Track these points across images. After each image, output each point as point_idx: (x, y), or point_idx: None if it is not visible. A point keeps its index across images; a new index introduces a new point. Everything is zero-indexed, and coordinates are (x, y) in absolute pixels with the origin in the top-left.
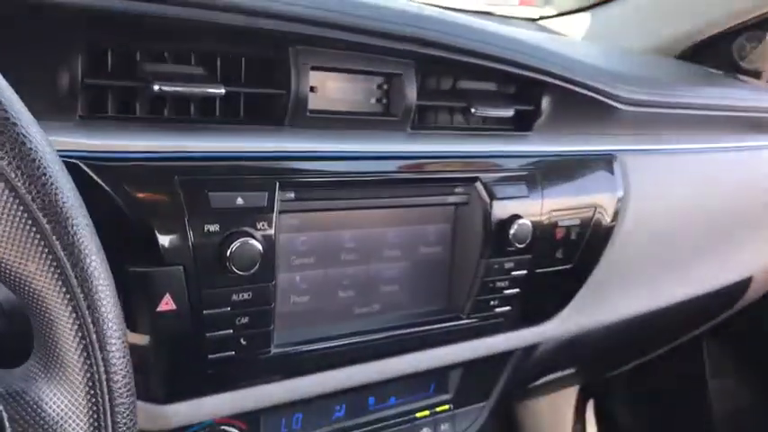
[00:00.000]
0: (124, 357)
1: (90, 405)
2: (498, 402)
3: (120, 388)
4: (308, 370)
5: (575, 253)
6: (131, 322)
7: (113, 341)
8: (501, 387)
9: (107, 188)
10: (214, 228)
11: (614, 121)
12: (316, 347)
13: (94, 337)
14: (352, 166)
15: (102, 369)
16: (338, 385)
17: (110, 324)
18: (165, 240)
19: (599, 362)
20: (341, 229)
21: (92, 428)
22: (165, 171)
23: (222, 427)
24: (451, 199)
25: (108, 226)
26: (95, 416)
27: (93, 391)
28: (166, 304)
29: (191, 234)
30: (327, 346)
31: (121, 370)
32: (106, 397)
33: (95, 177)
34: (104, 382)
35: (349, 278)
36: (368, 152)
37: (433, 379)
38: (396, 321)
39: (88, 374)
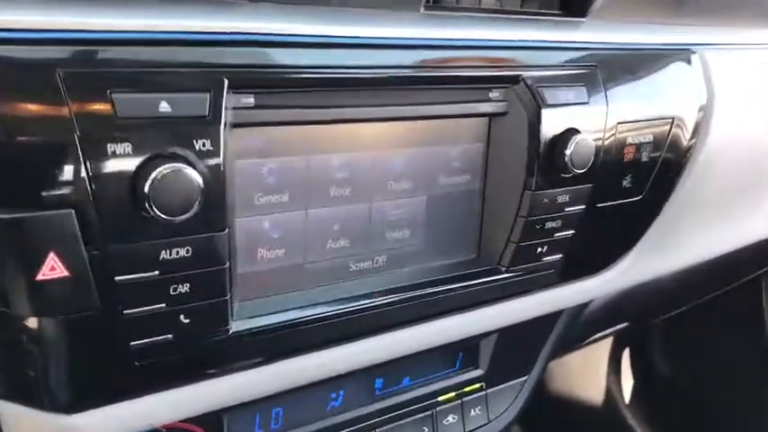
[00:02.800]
0: None
1: None
2: (541, 375)
3: None
4: (284, 352)
5: (646, 180)
6: (4, 298)
7: None
8: (546, 356)
9: None
10: (122, 149)
11: (689, 6)
12: (294, 319)
13: None
14: (340, 57)
15: None
16: (328, 372)
17: None
18: (41, 171)
19: (654, 311)
20: (327, 151)
21: None
22: (42, 63)
23: None
24: (484, 107)
25: None
26: None
27: None
28: (52, 269)
29: (85, 160)
30: (311, 316)
31: None
32: None
33: None
34: None
35: (341, 222)
36: (364, 38)
37: (460, 350)
38: (407, 279)
39: None
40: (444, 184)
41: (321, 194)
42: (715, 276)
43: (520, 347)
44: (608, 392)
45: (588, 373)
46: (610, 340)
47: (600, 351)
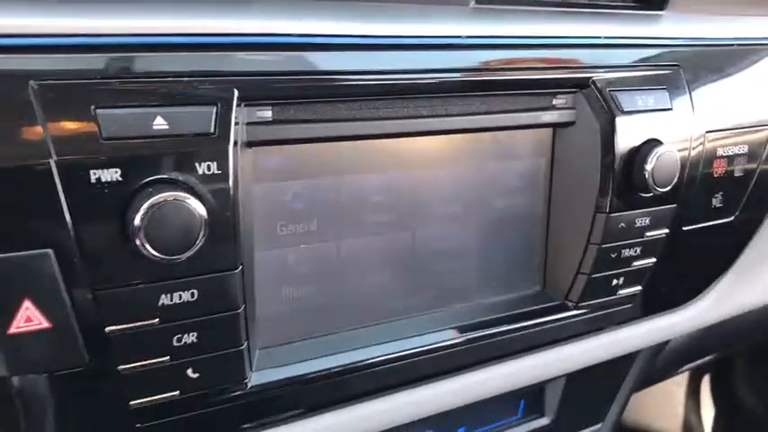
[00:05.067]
0: None
1: None
2: (616, 424)
3: None
4: (312, 407)
5: (739, 199)
6: None
7: None
8: (621, 402)
9: None
10: (109, 176)
11: None
12: (325, 369)
13: None
14: (377, 61)
15: None
16: (366, 429)
17: None
18: (11, 204)
19: (741, 344)
20: (362, 171)
21: None
22: (11, 74)
23: None
24: (547, 116)
25: None
26: None
27: None
28: (27, 321)
29: (64, 191)
30: (345, 365)
31: None
32: None
33: None
34: None
35: (380, 253)
36: (405, 37)
37: (522, 396)
38: (458, 319)
39: None
40: (501, 207)
41: (355, 222)
42: None
43: (591, 393)
44: (686, 422)
45: (665, 402)
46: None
47: (678, 379)
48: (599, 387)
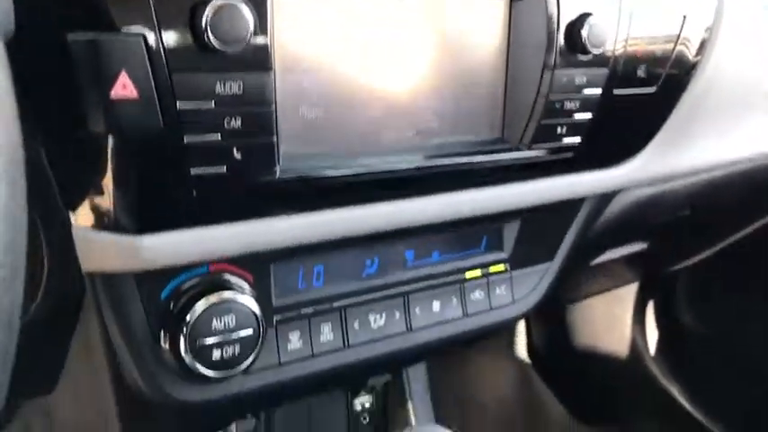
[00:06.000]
0: None
1: None
2: (563, 269)
3: None
4: (325, 202)
5: (659, 73)
6: (81, 117)
7: None
8: (567, 248)
9: None
10: None
11: None
12: (334, 173)
13: None
14: None
15: None
16: (365, 226)
17: None
18: None
19: (672, 240)
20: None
21: None
22: None
23: (223, 276)
24: None
25: None
26: None
27: None
28: (123, 88)
29: None
30: (349, 172)
31: None
32: None
33: None
34: None
35: (369, 91)
36: None
37: (485, 233)
38: (435, 150)
39: None
40: (469, 64)
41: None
42: (731, 204)
43: (542, 234)
44: (633, 344)
45: (613, 324)
46: (634, 292)
47: (624, 303)
48: (549, 230)
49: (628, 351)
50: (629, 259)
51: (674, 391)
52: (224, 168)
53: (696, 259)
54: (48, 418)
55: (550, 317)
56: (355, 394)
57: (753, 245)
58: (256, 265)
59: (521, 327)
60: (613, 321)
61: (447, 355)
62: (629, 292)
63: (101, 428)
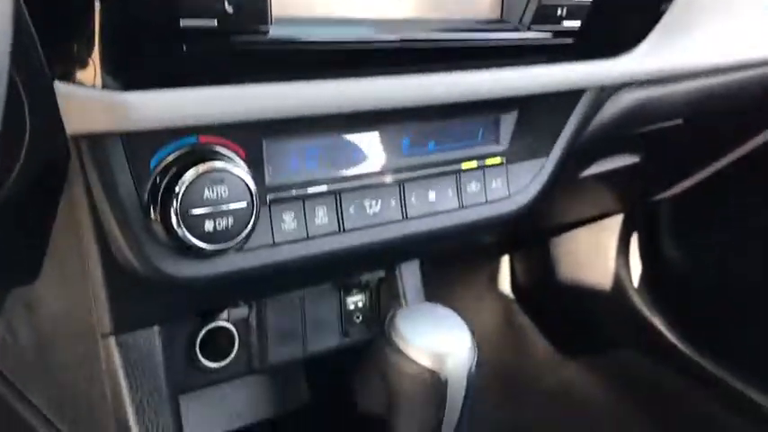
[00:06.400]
0: None
1: None
2: (560, 164)
3: None
4: (317, 72)
5: None
6: None
7: None
8: (563, 145)
9: None
10: None
11: None
12: (327, 38)
13: None
14: None
15: None
16: (357, 100)
17: None
18: None
19: (663, 157)
20: None
21: None
22: None
23: (214, 148)
24: None
25: None
26: None
27: None
28: None
29: None
30: (342, 39)
31: None
32: None
33: None
34: None
35: None
36: None
37: (481, 125)
38: (433, 25)
39: None
40: None
41: None
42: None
43: (538, 128)
44: (616, 277)
45: (596, 257)
46: (619, 225)
47: (609, 235)
48: (546, 124)
49: (611, 284)
50: (619, 180)
51: (657, 322)
52: (215, 22)
53: (683, 186)
54: (30, 311)
55: (534, 252)
56: (348, 292)
57: (736, 179)
58: (248, 140)
59: (504, 261)
60: (597, 254)
61: (430, 289)
62: (614, 224)
63: (87, 317)
